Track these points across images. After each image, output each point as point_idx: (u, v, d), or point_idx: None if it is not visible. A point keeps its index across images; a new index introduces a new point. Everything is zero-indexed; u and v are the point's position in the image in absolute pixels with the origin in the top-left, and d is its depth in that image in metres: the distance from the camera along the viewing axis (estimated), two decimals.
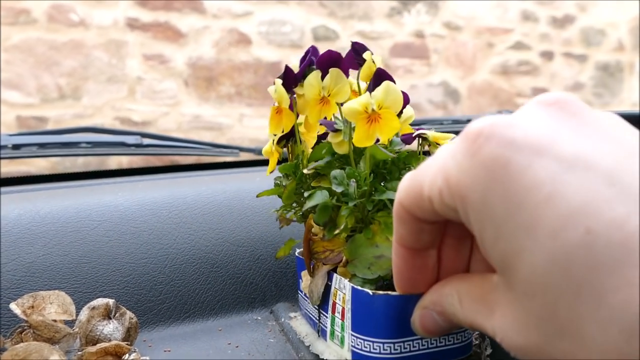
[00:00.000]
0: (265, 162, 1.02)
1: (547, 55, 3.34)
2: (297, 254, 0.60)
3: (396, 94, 0.46)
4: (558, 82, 3.36)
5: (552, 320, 0.24)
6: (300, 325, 0.58)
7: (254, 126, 2.91)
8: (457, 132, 1.07)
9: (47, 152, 0.86)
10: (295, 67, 0.53)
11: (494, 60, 3.25)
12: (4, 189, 0.78)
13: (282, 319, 0.60)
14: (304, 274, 0.57)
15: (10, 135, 0.85)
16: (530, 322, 0.25)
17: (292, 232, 0.66)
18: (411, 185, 0.32)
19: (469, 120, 1.15)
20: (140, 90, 2.74)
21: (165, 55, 2.75)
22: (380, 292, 0.45)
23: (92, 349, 0.46)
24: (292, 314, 0.61)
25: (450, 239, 0.35)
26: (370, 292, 0.45)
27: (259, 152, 1.06)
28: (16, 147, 0.85)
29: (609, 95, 3.43)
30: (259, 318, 0.61)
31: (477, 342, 0.50)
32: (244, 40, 2.83)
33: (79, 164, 2.43)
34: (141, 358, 0.46)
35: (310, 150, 0.54)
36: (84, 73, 2.64)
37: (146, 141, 0.94)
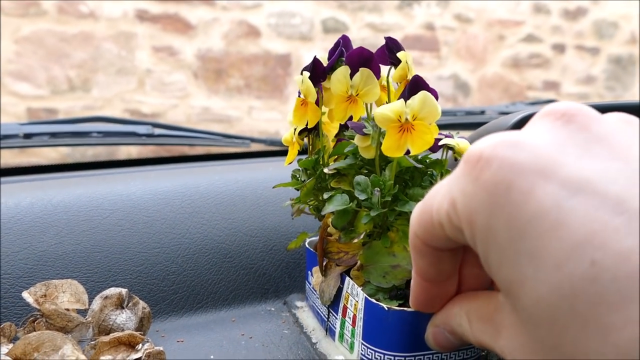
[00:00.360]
0: (276, 153, 1.01)
1: (559, 48, 3.30)
2: (307, 246, 0.59)
3: (433, 106, 0.45)
4: (570, 76, 3.33)
5: (558, 350, 0.24)
6: (307, 318, 0.58)
7: (263, 119, 2.90)
8: (470, 124, 1.05)
9: (59, 142, 0.86)
10: (323, 59, 0.51)
11: (505, 53, 3.22)
12: (15, 177, 0.77)
13: (295, 310, 0.59)
14: (315, 270, 0.57)
15: (22, 124, 0.85)
16: (536, 348, 0.25)
17: (306, 223, 0.65)
18: (421, 213, 0.31)
19: (482, 112, 1.14)
20: (149, 83, 2.73)
21: (175, 47, 2.74)
22: (396, 307, 0.44)
23: (105, 338, 0.45)
24: (299, 304, 0.60)
25: (470, 264, 0.35)
26: (385, 307, 0.44)
27: (270, 142, 1.05)
28: (28, 136, 0.84)
29: (621, 89, 3.39)
30: (273, 309, 0.60)
31: (484, 353, 0.50)
32: (253, 33, 2.82)
33: (89, 155, 2.43)
34: (154, 348, 0.46)
35: (332, 143, 0.53)
36: (93, 65, 2.64)
37: (157, 131, 0.93)
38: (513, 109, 1.14)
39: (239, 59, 2.86)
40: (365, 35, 2.95)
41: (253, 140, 1.02)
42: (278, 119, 2.88)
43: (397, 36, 2.99)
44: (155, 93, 2.80)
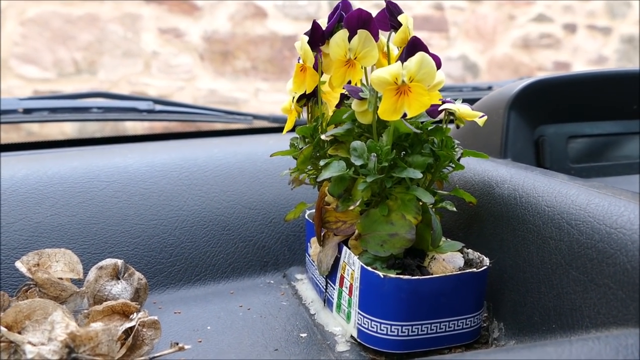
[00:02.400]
0: (279, 130, 0.99)
1: (570, 28, 3.24)
2: (306, 217, 0.58)
3: (430, 66, 0.43)
4: (581, 56, 3.27)
5: None
6: (306, 290, 0.57)
7: (269, 101, 2.88)
8: (476, 100, 1.03)
9: (58, 117, 0.85)
10: (323, 23, 0.50)
11: (514, 34, 3.17)
12: (13, 152, 0.77)
13: (294, 282, 0.58)
14: (313, 241, 0.55)
15: (21, 99, 0.84)
16: None
17: (305, 194, 0.64)
18: None
19: (489, 88, 1.12)
20: (155, 65, 2.72)
21: (181, 29, 2.72)
22: (392, 275, 0.43)
23: (98, 307, 0.45)
24: (299, 276, 0.60)
25: None
26: (381, 274, 0.43)
27: (273, 119, 1.04)
28: (27, 111, 0.83)
29: None
30: (272, 281, 0.60)
31: (485, 324, 0.48)
32: (260, 14, 2.79)
33: (90, 132, 2.43)
34: (149, 317, 0.45)
35: (331, 112, 0.52)
36: (99, 47, 2.62)
37: (158, 107, 0.92)
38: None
39: (245, 41, 2.84)
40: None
41: (255, 117, 1.01)
42: (285, 100, 2.86)
43: None
44: (161, 75, 2.79)
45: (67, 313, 0.41)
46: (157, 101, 0.95)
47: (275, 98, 2.84)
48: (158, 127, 2.26)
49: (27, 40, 2.52)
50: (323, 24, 0.51)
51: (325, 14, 2.83)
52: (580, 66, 3.27)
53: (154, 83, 2.71)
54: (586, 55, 3.26)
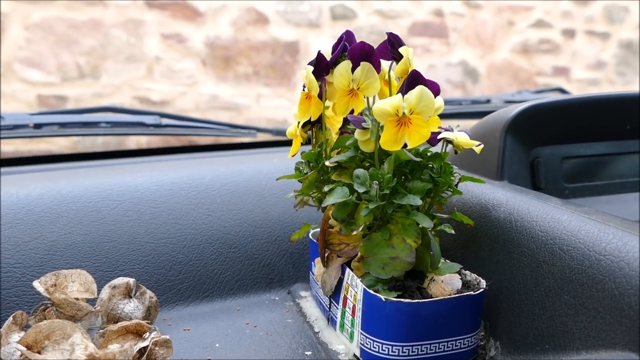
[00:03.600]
0: (282, 143, 1.02)
1: (569, 33, 3.26)
2: (310, 236, 0.60)
3: (429, 100, 0.45)
4: (579, 61, 3.29)
5: None
6: (310, 307, 0.59)
7: (271, 106, 2.91)
8: (475, 113, 1.05)
9: (68, 132, 0.87)
10: (327, 53, 0.52)
11: (514, 39, 3.19)
12: (25, 167, 0.79)
13: (299, 300, 0.61)
14: (317, 261, 0.58)
15: (32, 114, 0.86)
16: None
17: (309, 215, 0.66)
18: None
19: (488, 101, 1.14)
20: (158, 70, 2.74)
21: (183, 34, 2.74)
22: (393, 298, 0.45)
23: (113, 327, 0.47)
24: (303, 293, 0.62)
25: None
26: (383, 298, 0.45)
27: (276, 132, 1.06)
28: (37, 126, 0.86)
29: (631, 74, 3.36)
30: (277, 298, 0.62)
31: (482, 343, 0.51)
32: (262, 20, 2.81)
33: (99, 143, 2.45)
34: (161, 336, 0.47)
35: (336, 136, 0.54)
36: (103, 52, 2.65)
37: (165, 121, 0.94)
38: (518, 97, 1.14)
39: (247, 47, 2.86)
40: (373, 22, 2.93)
41: (259, 130, 1.03)
42: (286, 106, 2.88)
43: (406, 23, 2.97)
44: (164, 80, 2.81)
45: (85, 334, 0.44)
46: (163, 115, 0.97)
47: (277, 103, 2.87)
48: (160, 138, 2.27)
49: (31, 45, 2.54)
50: (327, 54, 0.53)
51: (326, 20, 2.86)
52: (579, 71, 3.29)
53: (156, 88, 2.74)
54: (585, 60, 3.29)
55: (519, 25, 3.16)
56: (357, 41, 0.51)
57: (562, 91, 1.25)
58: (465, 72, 3.09)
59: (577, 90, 3.02)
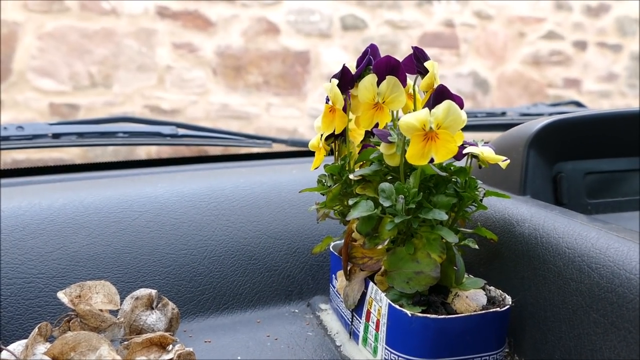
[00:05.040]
0: (297, 154, 1.02)
1: (580, 45, 3.26)
2: (331, 249, 0.60)
3: (457, 115, 0.45)
4: (591, 73, 3.28)
5: None
6: (331, 321, 0.59)
7: (281, 115, 2.92)
8: (490, 125, 1.05)
9: (86, 142, 0.88)
10: (352, 67, 0.52)
11: (525, 50, 3.19)
12: (44, 177, 0.79)
13: (319, 312, 0.60)
14: (340, 274, 0.58)
15: (51, 124, 0.87)
16: None
17: (329, 227, 0.66)
18: None
19: (503, 113, 1.14)
20: (169, 79, 2.76)
21: (195, 44, 2.76)
22: (419, 314, 0.45)
23: (137, 339, 0.47)
24: (323, 306, 0.61)
25: None
26: (409, 313, 0.45)
27: (292, 143, 1.06)
28: (56, 136, 0.86)
29: None
30: (296, 311, 0.62)
31: (508, 358, 0.50)
32: (272, 29, 2.82)
33: (109, 150, 2.46)
34: (185, 349, 0.47)
35: (357, 149, 0.54)
36: (114, 61, 2.67)
37: (181, 131, 0.95)
38: (534, 110, 1.14)
39: (257, 56, 2.87)
40: (384, 33, 2.94)
41: (275, 140, 1.03)
42: (296, 115, 2.89)
43: (416, 33, 2.98)
44: (174, 89, 2.83)
45: (111, 346, 0.44)
46: (180, 125, 0.97)
47: (287, 113, 2.87)
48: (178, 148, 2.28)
49: (44, 54, 2.56)
50: (352, 67, 0.53)
51: (336, 30, 2.87)
52: (590, 83, 3.28)
53: (167, 97, 2.75)
54: (596, 72, 3.28)
55: (530, 36, 3.16)
56: (382, 55, 0.52)
57: (578, 104, 1.25)
58: (476, 83, 3.09)
59: (588, 102, 3.01)
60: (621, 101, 3.27)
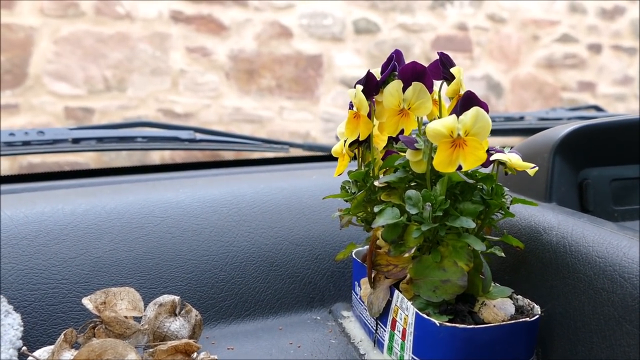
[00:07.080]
0: (314, 159, 1.01)
1: (595, 48, 3.24)
2: (353, 256, 0.59)
3: (485, 121, 0.45)
4: (606, 76, 3.26)
5: None
6: (354, 328, 0.58)
7: (293, 119, 2.92)
8: (508, 130, 1.04)
9: (105, 147, 0.88)
10: (377, 73, 0.52)
11: (539, 54, 3.17)
12: (65, 182, 0.79)
13: (341, 320, 0.60)
14: (364, 282, 0.57)
15: (71, 129, 0.87)
16: None
17: (350, 234, 0.65)
18: None
19: (521, 118, 1.13)
20: (182, 83, 2.77)
21: (208, 48, 2.77)
22: (447, 323, 0.44)
23: (163, 346, 0.47)
24: (345, 313, 0.61)
25: None
26: (437, 322, 0.44)
27: (308, 148, 1.06)
28: (76, 141, 0.87)
29: None
30: (318, 318, 0.61)
31: None
32: (285, 33, 2.83)
33: (123, 154, 2.48)
34: (210, 357, 0.47)
35: (380, 155, 0.53)
36: (129, 65, 2.68)
37: (199, 136, 0.95)
38: (553, 115, 1.13)
39: (270, 60, 2.88)
40: (396, 36, 2.94)
41: (292, 145, 1.03)
42: (309, 119, 2.89)
43: (429, 37, 2.97)
44: (188, 93, 2.84)
45: (138, 355, 0.43)
46: (197, 130, 0.97)
47: (299, 116, 2.88)
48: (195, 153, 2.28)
49: (60, 58, 2.59)
50: (377, 73, 0.53)
51: (349, 34, 2.87)
52: (605, 86, 3.26)
53: (181, 100, 2.76)
54: (611, 75, 3.25)
55: (544, 39, 3.14)
56: (408, 61, 0.51)
57: (598, 108, 1.24)
58: (489, 86, 3.08)
59: (604, 105, 2.99)
60: (636, 104, 3.24)
